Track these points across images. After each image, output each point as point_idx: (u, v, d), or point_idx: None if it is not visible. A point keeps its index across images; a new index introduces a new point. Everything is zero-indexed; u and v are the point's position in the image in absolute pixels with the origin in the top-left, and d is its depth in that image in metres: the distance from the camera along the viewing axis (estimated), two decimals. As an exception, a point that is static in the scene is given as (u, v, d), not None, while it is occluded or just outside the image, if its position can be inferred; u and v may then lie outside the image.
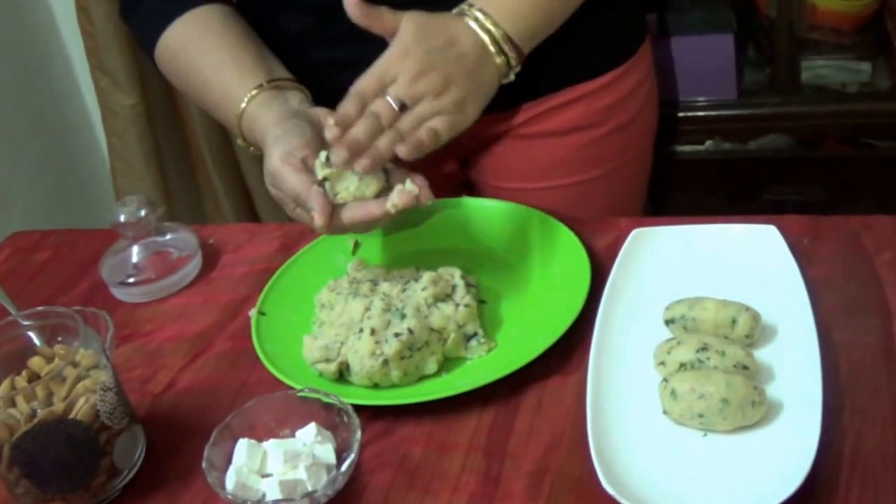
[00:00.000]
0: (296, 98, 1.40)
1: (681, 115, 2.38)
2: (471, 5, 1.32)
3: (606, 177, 1.62)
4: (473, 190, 1.71)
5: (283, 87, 1.41)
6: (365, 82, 1.23)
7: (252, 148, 1.42)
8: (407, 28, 1.25)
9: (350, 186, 1.21)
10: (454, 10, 1.33)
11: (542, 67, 1.45)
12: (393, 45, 1.26)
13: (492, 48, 1.30)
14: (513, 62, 1.32)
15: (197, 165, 2.90)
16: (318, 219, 1.19)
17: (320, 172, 1.22)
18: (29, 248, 1.66)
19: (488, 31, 1.30)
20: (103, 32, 2.61)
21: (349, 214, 1.20)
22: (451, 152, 1.60)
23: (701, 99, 2.37)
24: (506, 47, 1.31)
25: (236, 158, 2.88)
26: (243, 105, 1.39)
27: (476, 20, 1.30)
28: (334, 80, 1.44)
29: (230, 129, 1.46)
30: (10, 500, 1.15)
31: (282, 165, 1.25)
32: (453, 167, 1.70)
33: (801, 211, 1.38)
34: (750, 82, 2.38)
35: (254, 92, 1.39)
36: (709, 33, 2.29)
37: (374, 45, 1.27)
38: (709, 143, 2.41)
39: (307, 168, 1.24)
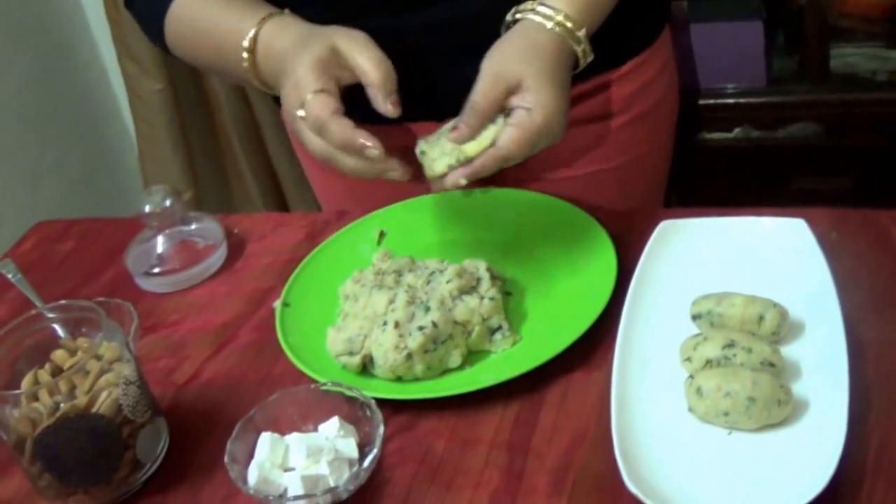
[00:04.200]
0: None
1: (710, 102, 2.37)
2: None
3: (629, 165, 1.61)
4: (497, 180, 1.70)
5: (292, 15, 1.38)
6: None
7: (267, 86, 1.38)
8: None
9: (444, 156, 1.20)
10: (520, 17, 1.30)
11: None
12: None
13: (571, 43, 1.28)
14: (587, 53, 1.31)
15: (224, 150, 2.91)
16: (373, 147, 1.20)
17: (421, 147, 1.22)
18: (54, 238, 1.67)
19: (562, 25, 1.27)
20: (129, 18, 2.61)
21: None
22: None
23: (730, 86, 2.35)
24: (584, 43, 1.29)
25: (264, 143, 2.89)
26: (253, 32, 1.34)
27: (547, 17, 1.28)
28: None
29: (241, 75, 1.39)
30: (33, 493, 1.15)
31: (313, 73, 1.23)
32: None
33: (828, 200, 1.37)
34: (779, 70, 2.36)
35: (264, 16, 1.35)
36: (738, 20, 2.27)
37: (386, 42, 1.27)
38: (737, 130, 2.39)
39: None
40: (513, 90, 1.20)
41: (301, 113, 1.23)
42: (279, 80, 1.30)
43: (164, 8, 1.46)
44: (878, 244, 1.27)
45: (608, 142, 1.57)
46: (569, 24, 1.25)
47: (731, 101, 2.36)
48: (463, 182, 1.18)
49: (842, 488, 0.97)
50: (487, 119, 1.19)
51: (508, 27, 1.30)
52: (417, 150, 1.21)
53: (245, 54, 1.35)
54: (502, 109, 1.21)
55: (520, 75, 1.20)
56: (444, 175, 1.19)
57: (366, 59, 1.25)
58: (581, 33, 1.27)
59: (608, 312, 1.21)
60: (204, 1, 1.43)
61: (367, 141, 1.20)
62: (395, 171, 1.22)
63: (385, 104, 1.24)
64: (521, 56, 1.22)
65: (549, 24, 1.25)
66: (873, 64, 2.26)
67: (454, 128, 1.19)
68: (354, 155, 1.22)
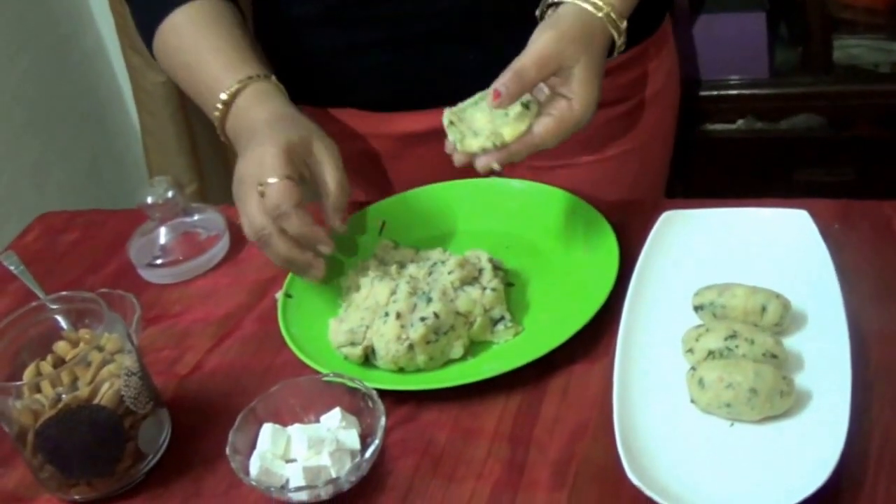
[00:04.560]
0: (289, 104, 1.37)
1: (713, 93, 2.37)
2: None
3: (631, 153, 1.61)
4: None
5: (278, 87, 1.39)
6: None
7: (228, 140, 1.39)
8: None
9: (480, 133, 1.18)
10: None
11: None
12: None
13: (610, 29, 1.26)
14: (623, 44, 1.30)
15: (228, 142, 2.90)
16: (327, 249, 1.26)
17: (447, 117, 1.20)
18: (58, 229, 1.66)
19: (609, 15, 1.25)
20: (134, 11, 2.61)
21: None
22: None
23: (733, 77, 2.35)
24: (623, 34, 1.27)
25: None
26: (234, 88, 1.35)
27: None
28: (350, 63, 1.43)
29: (209, 117, 1.40)
30: (35, 485, 1.16)
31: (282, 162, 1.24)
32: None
33: (831, 191, 1.36)
34: (782, 61, 2.36)
35: (250, 76, 1.36)
36: (741, 11, 2.27)
37: (392, 29, 1.26)
38: (740, 121, 2.40)
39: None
40: (561, 72, 1.19)
41: (259, 189, 1.25)
42: (241, 142, 1.31)
43: (157, 19, 1.45)
44: (880, 235, 1.27)
45: (608, 130, 1.57)
46: (613, 15, 1.24)
47: (734, 92, 2.36)
48: (496, 167, 1.17)
49: (844, 480, 0.97)
50: (529, 88, 1.17)
51: (545, 10, 1.28)
52: (445, 120, 1.19)
53: (219, 105, 1.36)
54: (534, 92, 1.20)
55: (575, 59, 1.18)
56: (473, 153, 1.18)
57: (331, 177, 1.28)
58: (623, 24, 1.25)
59: (610, 303, 1.21)
60: (196, 30, 1.43)
61: (324, 240, 1.27)
62: (317, 270, 1.29)
63: (334, 220, 1.28)
64: (579, 39, 1.19)
65: (600, 14, 1.23)
66: (876, 56, 2.26)
67: (495, 93, 1.15)
68: (292, 244, 1.26)
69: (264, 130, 1.28)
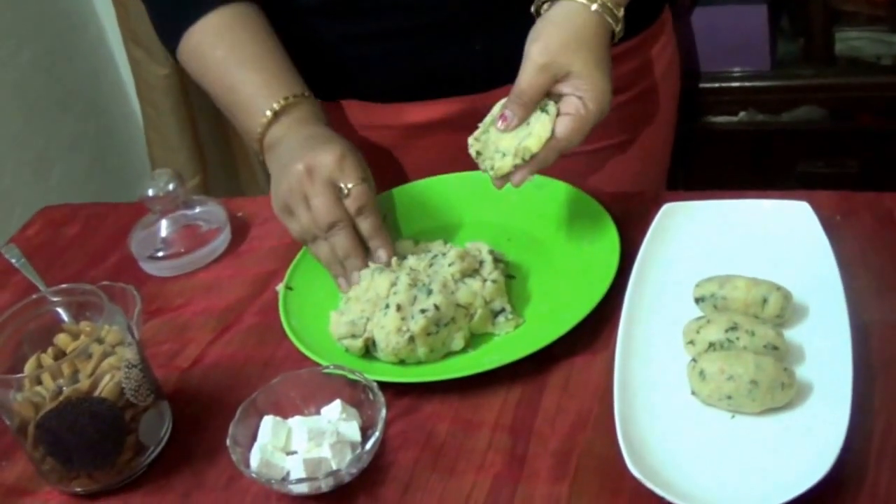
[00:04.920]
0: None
1: (714, 85, 2.37)
2: None
3: (631, 143, 1.61)
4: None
5: (314, 106, 1.41)
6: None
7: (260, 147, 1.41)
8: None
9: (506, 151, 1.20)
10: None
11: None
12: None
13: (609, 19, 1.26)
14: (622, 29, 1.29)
15: (231, 135, 2.91)
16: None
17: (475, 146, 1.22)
18: (59, 222, 1.67)
19: (604, 5, 1.24)
20: (135, 3, 2.61)
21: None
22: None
23: (735, 70, 2.35)
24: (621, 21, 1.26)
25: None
26: (273, 110, 1.37)
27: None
28: (354, 53, 1.43)
29: (246, 130, 1.43)
30: (36, 477, 1.16)
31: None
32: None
33: (834, 183, 1.36)
34: (784, 53, 2.36)
35: (289, 101, 1.38)
36: (742, 3, 2.27)
37: (396, 18, 1.26)
38: (742, 114, 2.39)
39: None
40: (560, 79, 1.19)
41: (346, 188, 1.29)
42: (291, 144, 1.34)
43: (183, 25, 1.45)
44: (882, 227, 1.27)
45: (613, 117, 1.56)
46: (609, 4, 1.23)
47: (735, 84, 2.36)
48: (531, 178, 1.20)
49: (846, 471, 0.97)
50: (533, 107, 1.19)
51: (541, 5, 1.27)
52: (472, 151, 1.21)
53: (263, 120, 1.38)
54: (549, 94, 1.20)
55: (568, 66, 1.19)
56: (509, 173, 1.20)
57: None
58: (620, 12, 1.24)
59: (611, 295, 1.20)
60: (232, 40, 1.44)
61: (387, 244, 1.32)
62: (357, 276, 1.30)
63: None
64: (568, 44, 1.20)
65: (594, 7, 1.22)
66: (878, 48, 2.25)
67: (502, 117, 1.19)
68: (357, 242, 1.31)
69: (326, 134, 1.32)
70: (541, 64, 1.18)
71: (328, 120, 1.40)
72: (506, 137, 1.19)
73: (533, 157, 1.18)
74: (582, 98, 1.18)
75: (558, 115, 1.19)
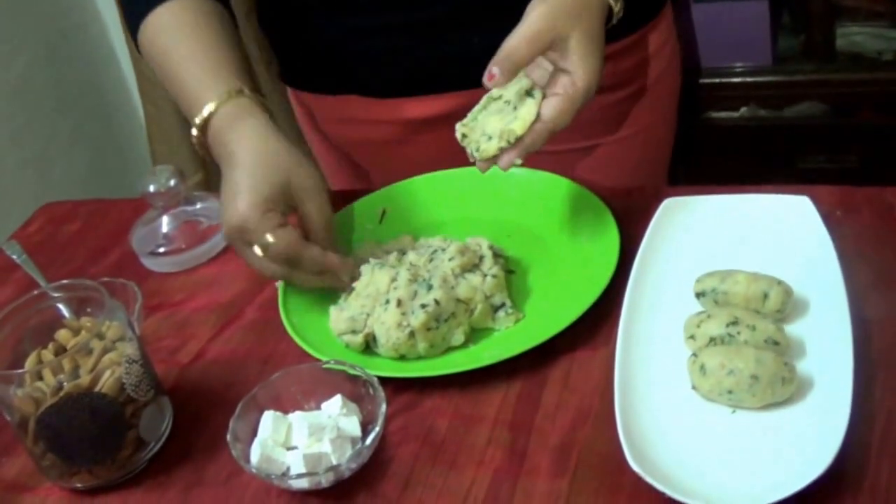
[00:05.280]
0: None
1: (716, 81, 2.36)
2: None
3: (632, 138, 1.61)
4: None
5: (254, 103, 1.34)
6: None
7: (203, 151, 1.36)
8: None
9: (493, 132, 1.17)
10: None
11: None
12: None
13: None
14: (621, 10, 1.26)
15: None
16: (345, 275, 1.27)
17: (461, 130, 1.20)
18: (60, 219, 1.67)
19: None
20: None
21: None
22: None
23: (736, 65, 2.35)
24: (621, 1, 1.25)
25: (272, 123, 2.88)
26: (207, 111, 1.31)
27: None
28: (356, 48, 1.43)
29: (190, 117, 1.35)
30: (37, 473, 1.16)
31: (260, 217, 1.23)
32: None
33: (836, 179, 1.36)
34: (785, 49, 2.36)
35: (225, 93, 1.32)
36: (743, -1, 2.27)
37: (396, 14, 1.26)
38: (744, 109, 2.39)
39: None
40: (554, 47, 1.17)
41: (261, 246, 1.24)
42: (222, 164, 1.30)
43: (143, 13, 1.42)
44: (883, 222, 1.27)
45: (609, 115, 1.57)
46: None
47: (737, 80, 2.36)
48: (519, 162, 1.17)
49: (847, 466, 0.97)
50: (522, 68, 1.16)
51: None
52: (458, 135, 1.19)
53: (194, 131, 1.33)
54: (535, 84, 1.18)
55: (568, 32, 1.16)
56: (494, 156, 1.17)
57: (317, 223, 1.29)
58: None
59: (611, 290, 1.20)
60: (176, 33, 1.39)
61: (340, 265, 1.28)
62: (346, 275, 1.28)
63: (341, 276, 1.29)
64: (571, 11, 1.17)
65: None
66: (879, 43, 2.25)
67: (489, 74, 1.14)
68: (314, 275, 1.27)
69: (242, 178, 1.25)
70: (542, 24, 1.15)
71: (269, 116, 1.34)
72: (494, 122, 1.17)
73: (519, 140, 1.16)
74: (572, 75, 1.16)
75: (544, 98, 1.17)
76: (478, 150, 1.17)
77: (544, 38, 1.15)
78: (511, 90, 1.18)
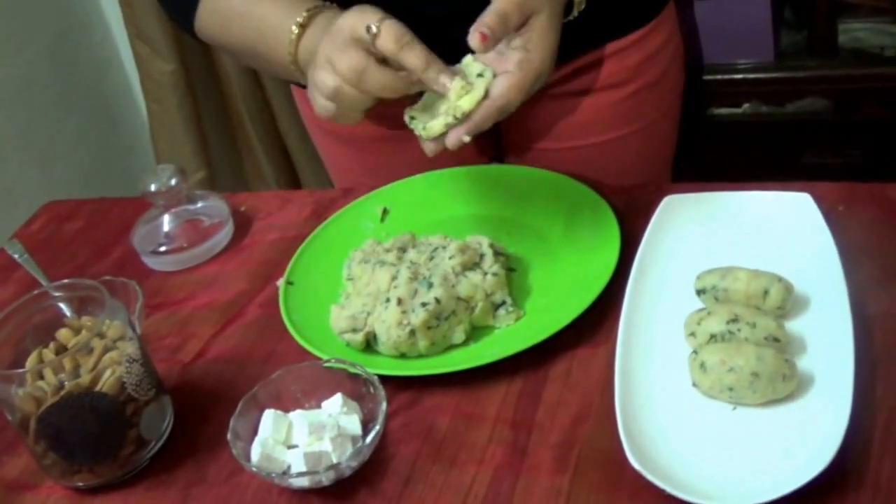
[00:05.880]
0: None
1: (718, 77, 2.36)
2: None
3: (637, 134, 1.61)
4: (504, 151, 1.70)
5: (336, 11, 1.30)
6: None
7: (301, 69, 1.31)
8: None
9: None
10: None
11: (570, 29, 1.44)
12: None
13: None
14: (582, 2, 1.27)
15: (236, 129, 2.91)
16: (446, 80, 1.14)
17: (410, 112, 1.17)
18: (62, 217, 1.67)
19: None
20: (140, 0, 2.63)
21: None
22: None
23: (738, 61, 2.34)
24: None
25: (276, 122, 2.90)
26: (298, 24, 1.28)
27: None
28: None
29: (280, 59, 1.32)
30: (39, 472, 1.16)
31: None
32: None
33: (839, 174, 1.35)
34: (787, 45, 2.35)
35: (310, 12, 1.29)
36: (746, -5, 2.26)
37: (397, 11, 1.25)
38: (746, 105, 2.39)
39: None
40: (526, 19, 1.16)
41: (374, 28, 1.16)
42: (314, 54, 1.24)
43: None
44: (885, 218, 1.27)
45: (612, 112, 1.57)
46: None
47: (739, 76, 2.35)
48: (466, 139, 1.13)
49: (848, 463, 0.97)
50: (511, 32, 1.14)
51: None
52: (406, 118, 1.17)
53: (295, 28, 1.29)
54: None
55: (539, 10, 1.16)
56: (442, 135, 1.14)
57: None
58: None
59: (612, 287, 1.20)
60: None
61: (444, 72, 1.15)
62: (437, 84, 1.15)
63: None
64: None
65: None
66: (881, 39, 2.25)
67: (481, 35, 1.11)
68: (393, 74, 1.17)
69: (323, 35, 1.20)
70: None
71: None
72: (442, 105, 1.14)
73: (467, 116, 1.12)
74: (529, 53, 1.15)
75: (495, 77, 1.15)
76: (424, 128, 1.14)
77: (526, 9, 1.15)
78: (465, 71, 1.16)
